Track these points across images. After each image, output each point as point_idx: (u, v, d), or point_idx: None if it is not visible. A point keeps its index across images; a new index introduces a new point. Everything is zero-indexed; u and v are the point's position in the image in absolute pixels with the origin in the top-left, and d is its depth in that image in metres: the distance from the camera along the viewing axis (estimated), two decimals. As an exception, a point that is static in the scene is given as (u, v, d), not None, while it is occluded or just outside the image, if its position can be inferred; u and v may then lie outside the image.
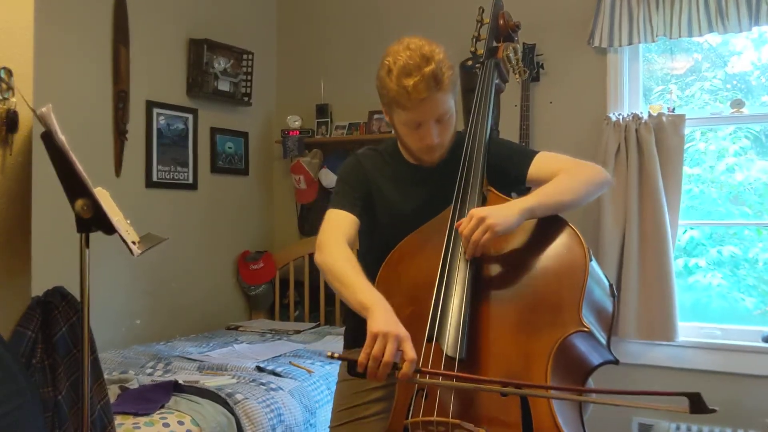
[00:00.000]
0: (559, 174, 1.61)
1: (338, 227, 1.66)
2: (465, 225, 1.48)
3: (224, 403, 2.34)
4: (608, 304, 1.57)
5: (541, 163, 1.67)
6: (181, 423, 2.17)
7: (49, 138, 1.44)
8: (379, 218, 1.77)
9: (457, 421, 1.36)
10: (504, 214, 1.46)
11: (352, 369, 1.39)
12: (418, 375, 1.37)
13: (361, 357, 1.35)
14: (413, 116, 1.59)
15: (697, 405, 1.18)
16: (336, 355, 1.37)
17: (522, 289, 1.50)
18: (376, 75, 1.63)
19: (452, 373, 1.40)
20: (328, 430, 1.81)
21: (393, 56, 1.57)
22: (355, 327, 1.70)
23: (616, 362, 1.52)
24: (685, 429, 2.96)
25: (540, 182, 1.66)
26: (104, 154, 3.23)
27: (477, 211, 1.47)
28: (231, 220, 3.94)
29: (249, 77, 3.91)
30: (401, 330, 1.37)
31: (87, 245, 1.54)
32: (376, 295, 1.47)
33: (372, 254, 1.74)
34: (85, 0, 3.14)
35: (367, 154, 1.80)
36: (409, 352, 1.34)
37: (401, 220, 1.69)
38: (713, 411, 1.16)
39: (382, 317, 1.40)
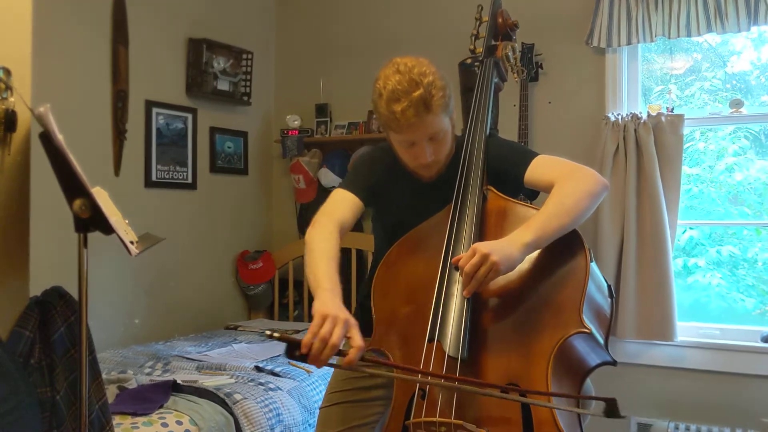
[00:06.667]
0: (556, 187, 1.56)
1: (337, 208, 1.68)
2: (466, 261, 1.40)
3: (223, 403, 2.34)
4: (607, 306, 1.57)
5: (537, 169, 1.65)
6: (179, 423, 2.17)
7: (47, 138, 1.44)
8: (381, 218, 1.79)
9: (460, 421, 1.36)
10: (507, 252, 1.40)
11: (291, 351, 1.32)
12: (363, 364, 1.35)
13: (307, 337, 1.32)
14: (405, 138, 1.60)
15: (611, 410, 1.24)
16: (276, 334, 1.31)
17: (523, 289, 1.50)
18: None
19: (393, 363, 1.40)
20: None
21: (383, 80, 1.57)
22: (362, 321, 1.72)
23: (614, 363, 1.52)
24: (683, 428, 2.96)
25: (536, 187, 1.66)
26: (103, 154, 3.23)
27: (480, 247, 1.40)
28: (230, 219, 3.94)
29: (248, 77, 3.90)
30: (350, 317, 1.36)
31: (85, 245, 1.53)
32: (333, 281, 1.48)
33: (380, 251, 1.76)
34: (83, -1, 3.14)
35: (384, 150, 1.80)
36: (358, 339, 1.34)
37: (399, 228, 1.69)
38: (623, 417, 1.24)
39: (332, 301, 1.40)
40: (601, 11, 3.14)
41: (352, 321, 1.36)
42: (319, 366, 1.34)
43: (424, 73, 1.54)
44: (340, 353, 1.33)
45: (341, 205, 1.69)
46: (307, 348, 1.31)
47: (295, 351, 1.31)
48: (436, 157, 1.64)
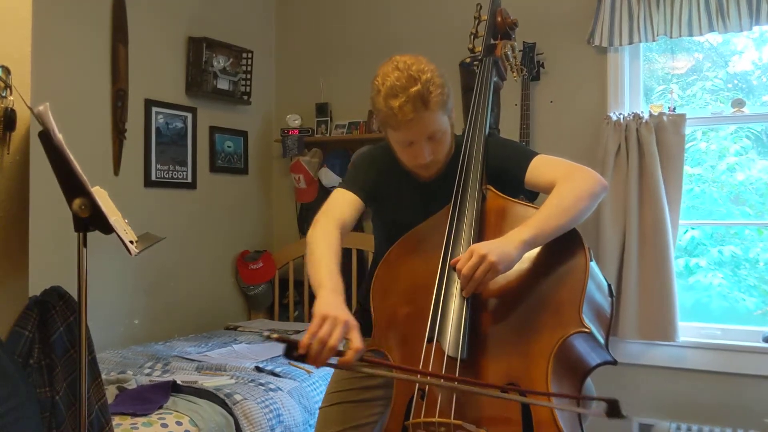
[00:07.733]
0: (556, 187, 1.57)
1: (337, 207, 1.68)
2: (464, 263, 1.40)
3: (223, 404, 2.33)
4: (607, 305, 1.57)
5: (537, 169, 1.64)
6: (179, 423, 2.16)
7: (46, 137, 1.43)
8: (381, 218, 1.78)
9: (459, 422, 1.36)
10: (505, 250, 1.40)
11: (290, 352, 1.31)
12: (361, 365, 1.35)
13: (305, 338, 1.31)
14: (403, 136, 1.60)
15: (614, 410, 1.25)
16: (274, 335, 1.34)
17: (522, 289, 1.50)
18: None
19: (393, 364, 1.39)
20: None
21: (382, 77, 1.57)
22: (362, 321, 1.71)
23: (614, 363, 1.52)
24: (685, 429, 2.95)
25: (536, 188, 1.66)
26: (103, 153, 3.23)
27: (477, 248, 1.40)
28: (230, 219, 3.93)
29: (248, 76, 3.90)
30: (350, 318, 1.35)
31: (85, 245, 1.53)
32: (335, 281, 1.47)
33: (380, 251, 1.76)
34: (83, -2, 3.14)
35: (384, 148, 1.79)
36: (357, 340, 1.33)
37: (398, 228, 1.69)
38: (625, 417, 1.25)
39: (332, 301, 1.39)
40: (603, 11, 3.14)
41: (352, 322, 1.35)
42: (317, 366, 1.33)
43: (422, 70, 1.55)
44: (339, 354, 1.32)
45: (341, 204, 1.68)
46: (305, 349, 1.30)
47: (293, 351, 1.31)
48: (434, 156, 1.64)
